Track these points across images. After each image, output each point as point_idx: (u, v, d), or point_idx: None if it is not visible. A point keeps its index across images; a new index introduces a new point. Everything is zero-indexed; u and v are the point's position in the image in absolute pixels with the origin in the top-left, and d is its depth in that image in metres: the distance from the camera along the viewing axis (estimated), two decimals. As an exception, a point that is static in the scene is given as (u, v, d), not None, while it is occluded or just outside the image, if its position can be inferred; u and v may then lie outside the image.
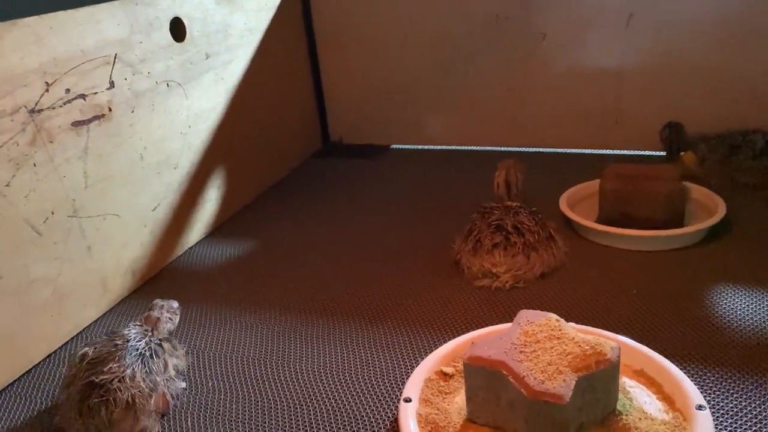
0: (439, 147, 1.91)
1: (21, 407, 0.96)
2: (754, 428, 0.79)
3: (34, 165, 1.04)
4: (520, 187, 1.23)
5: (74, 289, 1.12)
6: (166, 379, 0.88)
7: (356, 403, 0.90)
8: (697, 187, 1.34)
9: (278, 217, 1.54)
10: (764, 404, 0.82)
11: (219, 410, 0.91)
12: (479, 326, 0.98)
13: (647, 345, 0.89)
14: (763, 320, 0.99)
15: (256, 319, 1.13)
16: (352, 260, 1.30)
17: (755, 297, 1.04)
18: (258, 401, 0.92)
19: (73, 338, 1.13)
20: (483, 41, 1.71)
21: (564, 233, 1.26)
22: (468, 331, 0.98)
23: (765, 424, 0.79)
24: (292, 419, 0.88)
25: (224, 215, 1.54)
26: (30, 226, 1.03)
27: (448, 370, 0.89)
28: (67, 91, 1.09)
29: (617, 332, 0.92)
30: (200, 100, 1.42)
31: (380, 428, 0.85)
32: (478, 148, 1.85)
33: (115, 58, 1.18)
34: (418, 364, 0.90)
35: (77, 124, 1.11)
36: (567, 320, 0.82)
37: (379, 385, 0.93)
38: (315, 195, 1.65)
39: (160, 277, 1.32)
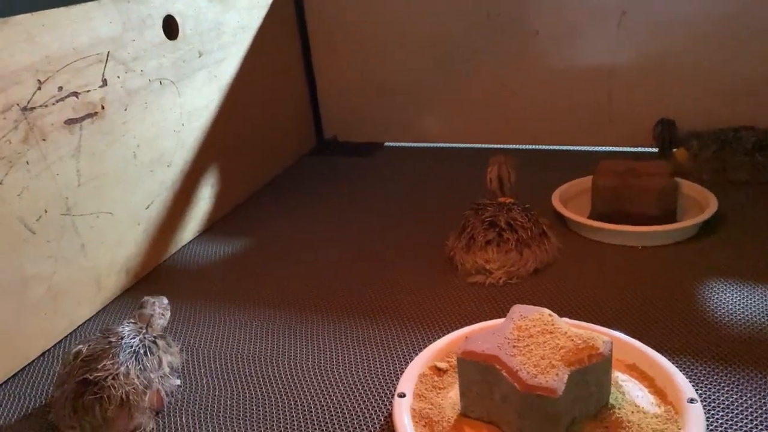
0: (432, 144, 1.91)
1: (16, 405, 0.95)
2: (744, 420, 0.80)
3: (27, 163, 1.03)
4: (512, 182, 1.23)
5: (68, 287, 1.12)
6: (161, 376, 0.88)
7: (351, 399, 0.90)
8: (689, 183, 1.35)
9: (272, 215, 1.54)
10: (755, 397, 0.83)
11: (214, 407, 0.91)
12: (473, 322, 0.99)
13: (640, 339, 0.89)
14: (754, 314, 0.99)
15: (251, 317, 1.13)
16: (346, 258, 1.30)
17: (746, 291, 1.05)
18: (253, 398, 0.93)
19: (67, 336, 1.13)
20: (476, 39, 1.72)
21: (557, 229, 1.26)
22: (462, 326, 0.98)
23: (756, 416, 0.80)
24: (286, 415, 0.88)
25: (218, 213, 1.54)
26: (23, 225, 1.03)
27: (442, 365, 0.90)
28: (60, 88, 1.09)
29: (610, 327, 0.93)
30: (193, 98, 1.42)
31: (375, 423, 0.85)
32: (472, 145, 1.86)
33: (107, 55, 1.18)
34: (412, 360, 0.90)
35: (70, 122, 1.11)
36: (560, 315, 0.83)
37: (374, 381, 0.93)
38: (309, 193, 1.65)
39: (154, 275, 1.32)
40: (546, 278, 1.15)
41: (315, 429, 0.85)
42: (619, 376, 0.84)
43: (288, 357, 1.01)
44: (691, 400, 0.77)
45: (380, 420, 0.86)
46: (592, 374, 0.74)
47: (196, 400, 0.93)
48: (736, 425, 0.79)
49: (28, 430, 0.90)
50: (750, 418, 0.80)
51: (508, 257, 1.13)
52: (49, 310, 1.09)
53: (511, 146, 1.79)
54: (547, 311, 0.81)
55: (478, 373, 0.76)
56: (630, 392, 0.81)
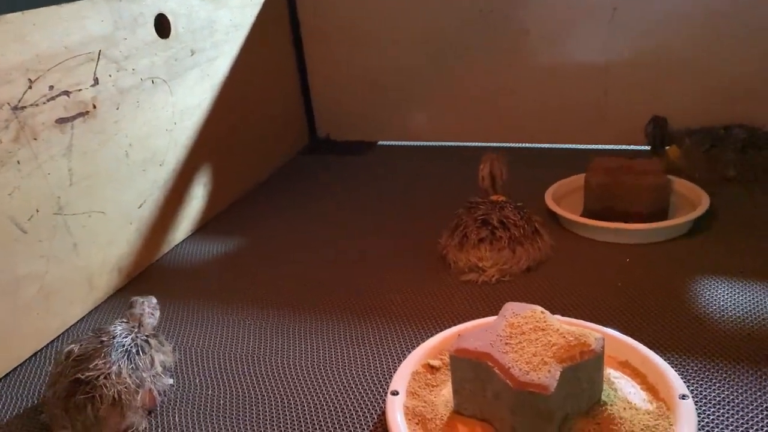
0: (426, 143, 1.91)
1: (8, 405, 0.95)
2: (736, 416, 0.80)
3: (18, 162, 1.03)
4: (504, 180, 1.24)
5: (61, 287, 1.12)
6: (153, 376, 0.88)
7: (344, 397, 0.90)
8: (681, 181, 1.36)
9: (265, 215, 1.54)
10: (746, 393, 0.83)
11: (206, 406, 0.91)
12: (466, 320, 0.99)
13: (632, 336, 0.90)
14: (745, 311, 1.00)
15: (244, 316, 1.13)
16: (339, 257, 1.30)
17: (738, 288, 1.06)
18: (246, 397, 0.92)
19: (59, 336, 1.12)
20: (469, 36, 1.72)
21: (550, 227, 1.27)
22: (455, 324, 0.98)
23: (746, 412, 0.80)
24: (280, 414, 0.88)
25: (211, 213, 1.54)
26: (15, 224, 1.03)
27: (435, 363, 0.90)
28: (51, 87, 1.08)
29: (602, 324, 0.93)
30: (186, 97, 1.42)
31: (368, 421, 0.85)
32: (465, 144, 1.86)
33: (99, 54, 1.17)
34: (405, 358, 0.90)
35: (61, 121, 1.11)
36: (552, 313, 0.83)
37: (367, 379, 0.93)
38: (302, 192, 1.65)
39: (147, 274, 1.32)
40: (539, 276, 1.15)
41: (308, 427, 0.85)
42: (612, 373, 0.84)
43: (281, 356, 1.01)
44: (683, 396, 0.77)
45: (373, 418, 0.86)
46: (584, 371, 0.74)
47: (189, 400, 0.93)
48: (727, 420, 0.79)
49: (21, 430, 0.89)
50: (741, 413, 0.80)
51: (500, 255, 1.14)
52: (41, 309, 1.08)
53: (504, 144, 1.79)
54: (539, 308, 0.81)
55: (471, 371, 0.76)
56: (622, 389, 0.81)
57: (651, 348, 0.87)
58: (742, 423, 0.79)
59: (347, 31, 1.84)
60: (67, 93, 1.11)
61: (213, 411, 0.90)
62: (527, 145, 1.79)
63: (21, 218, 1.04)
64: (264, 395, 0.92)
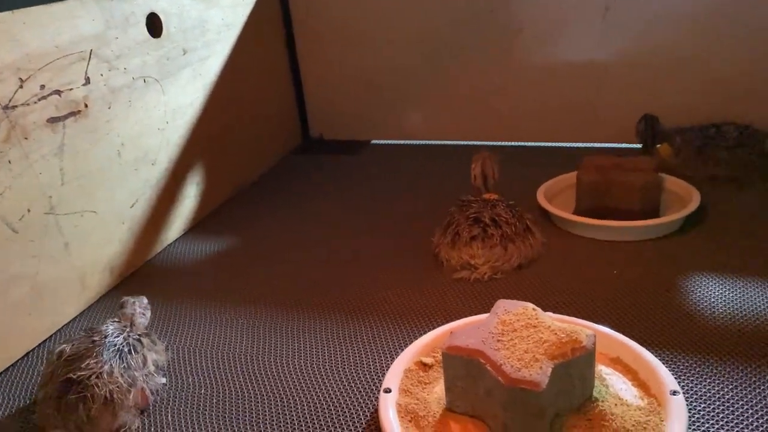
0: (418, 142, 1.91)
1: (0, 405, 0.95)
2: (726, 411, 0.80)
3: (9, 162, 1.02)
4: (496, 179, 1.24)
5: (52, 287, 1.12)
6: (146, 375, 0.88)
7: (337, 395, 0.90)
8: (672, 179, 1.36)
9: (258, 214, 1.54)
10: (736, 388, 0.84)
11: (199, 405, 0.91)
12: (458, 317, 0.99)
13: (624, 333, 0.90)
14: (735, 308, 1.00)
15: (237, 315, 1.13)
16: (332, 256, 1.30)
17: (728, 285, 1.06)
18: (239, 395, 0.92)
19: (51, 336, 1.12)
20: (462, 35, 1.72)
21: (542, 225, 1.27)
22: (447, 322, 0.98)
23: (737, 407, 0.81)
24: (273, 412, 0.88)
25: (203, 212, 1.54)
26: (6, 224, 1.02)
27: (428, 360, 0.90)
28: (42, 87, 1.08)
29: (594, 321, 0.94)
30: (178, 96, 1.41)
31: (361, 419, 0.85)
32: (457, 142, 1.86)
33: (90, 53, 1.17)
34: (398, 356, 0.90)
35: (53, 120, 1.10)
36: (544, 310, 0.83)
37: (360, 377, 0.94)
38: (295, 191, 1.65)
39: (139, 274, 1.31)
40: (530, 273, 1.15)
41: (302, 425, 0.85)
42: (603, 370, 0.84)
43: (274, 354, 1.01)
44: (674, 392, 0.78)
45: (366, 416, 0.86)
46: (575, 368, 0.75)
47: (182, 398, 0.93)
48: (718, 416, 0.80)
49: (13, 431, 0.89)
50: (731, 409, 0.81)
51: (492, 252, 1.14)
52: (32, 309, 1.08)
53: (496, 143, 1.80)
54: (531, 306, 0.82)
55: (463, 368, 0.77)
56: (614, 385, 0.81)
57: (642, 344, 0.88)
58: (733, 418, 0.79)
59: (340, 31, 1.84)
60: (58, 92, 1.11)
61: (206, 410, 0.90)
62: (520, 143, 1.79)
63: (12, 218, 1.03)
64: (257, 394, 0.92)
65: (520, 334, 0.77)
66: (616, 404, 0.78)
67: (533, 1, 1.63)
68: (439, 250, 1.20)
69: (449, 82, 1.79)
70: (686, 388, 0.85)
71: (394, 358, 0.92)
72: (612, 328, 0.92)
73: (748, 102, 1.53)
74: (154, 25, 1.33)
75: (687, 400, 0.81)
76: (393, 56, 1.82)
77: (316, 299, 1.15)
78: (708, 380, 0.86)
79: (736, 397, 0.82)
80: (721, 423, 0.79)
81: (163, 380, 0.94)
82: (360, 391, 0.91)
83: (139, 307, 0.97)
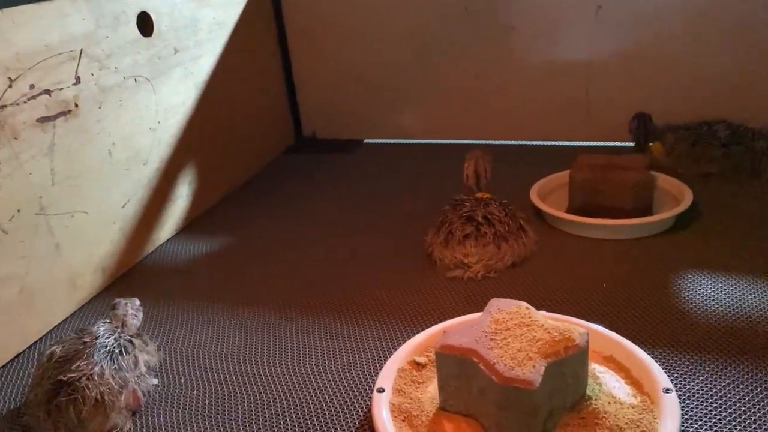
0: (411, 141, 1.91)
1: (-11, 408, 0.94)
2: (719, 409, 0.81)
3: (-1, 162, 1.02)
4: (488, 178, 1.24)
5: (43, 288, 1.11)
6: (137, 376, 0.87)
7: (330, 395, 0.90)
8: (665, 177, 1.36)
9: (251, 213, 1.53)
10: (729, 386, 0.84)
11: (192, 406, 0.91)
12: (452, 316, 0.99)
13: (617, 331, 0.90)
14: (727, 305, 1.01)
15: (229, 315, 1.12)
16: (326, 255, 1.30)
17: (721, 283, 1.07)
18: (232, 396, 0.92)
19: (42, 337, 1.11)
20: (454, 34, 1.72)
21: (535, 224, 1.27)
22: (440, 321, 0.98)
23: (729, 404, 0.81)
24: (266, 413, 0.88)
25: (196, 212, 1.53)
26: (-5, 225, 1.02)
27: (421, 359, 0.90)
28: (32, 86, 1.07)
29: (587, 319, 0.94)
30: (169, 96, 1.41)
31: (354, 419, 0.85)
32: (451, 141, 1.86)
33: (80, 53, 1.16)
34: (392, 355, 0.90)
35: (43, 120, 1.09)
36: (538, 308, 0.83)
37: (353, 377, 0.93)
38: (288, 191, 1.65)
39: (131, 274, 1.31)
40: (524, 272, 1.15)
41: (295, 425, 0.85)
42: (596, 368, 0.84)
43: (267, 355, 1.01)
44: (667, 390, 0.78)
45: (360, 416, 0.86)
46: (568, 366, 0.74)
47: (174, 400, 0.92)
48: (711, 413, 0.80)
49: (3, 433, 0.89)
50: (724, 406, 0.81)
51: (486, 251, 1.14)
52: (23, 311, 1.07)
53: (489, 141, 1.80)
54: (524, 304, 0.82)
55: (456, 367, 0.76)
56: (607, 383, 0.81)
57: (635, 342, 0.88)
58: (725, 416, 0.79)
59: (333, 29, 1.84)
60: (48, 92, 1.10)
61: (198, 411, 0.90)
62: (513, 142, 1.79)
63: (2, 219, 1.02)
64: (250, 394, 0.92)
65: (514, 333, 0.77)
66: (609, 402, 0.78)
67: (526, 0, 1.63)
68: (432, 249, 1.20)
69: (442, 80, 1.79)
70: (679, 385, 0.85)
71: (387, 357, 0.91)
72: (605, 326, 0.92)
73: (740, 100, 1.53)
74: (145, 24, 1.32)
75: (680, 398, 0.82)
76: (386, 54, 1.81)
77: (309, 299, 1.14)
78: (700, 378, 0.86)
79: (729, 395, 0.83)
80: (713, 420, 0.79)
81: (155, 381, 0.94)
82: (353, 391, 0.90)
83: (131, 309, 0.96)
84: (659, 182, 1.34)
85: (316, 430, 0.84)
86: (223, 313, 1.13)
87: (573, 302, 1.05)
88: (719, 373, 0.86)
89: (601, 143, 1.69)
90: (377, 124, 1.92)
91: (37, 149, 1.08)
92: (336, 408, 0.87)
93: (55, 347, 0.85)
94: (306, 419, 0.86)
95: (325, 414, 0.87)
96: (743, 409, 0.80)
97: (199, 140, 1.52)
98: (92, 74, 1.19)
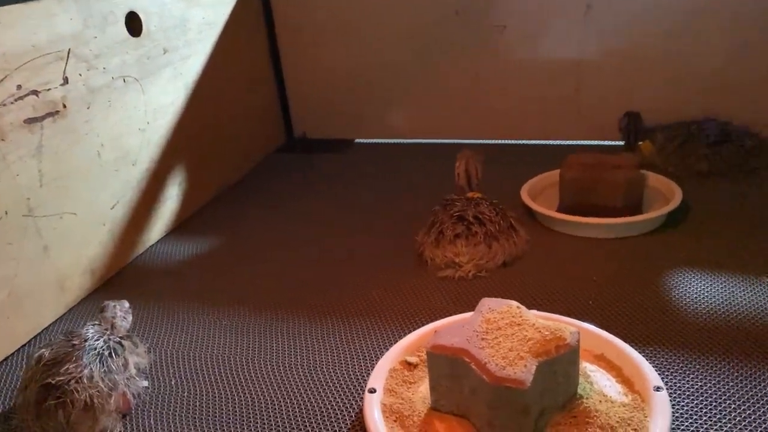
0: (403, 141, 1.91)
1: (-23, 412, 0.93)
2: (709, 407, 0.81)
3: (-15, 163, 1.01)
4: (479, 177, 1.24)
5: (31, 290, 1.10)
6: (127, 378, 0.87)
7: (322, 396, 0.90)
8: (655, 175, 1.37)
9: (242, 214, 1.53)
10: (719, 384, 0.84)
11: (183, 408, 0.90)
12: (443, 316, 0.99)
13: (608, 330, 0.90)
14: (718, 303, 1.01)
15: (220, 316, 1.12)
16: (317, 255, 1.30)
17: (711, 281, 1.07)
18: (223, 397, 0.92)
19: (31, 340, 1.10)
20: (444, 33, 1.72)
21: (526, 223, 1.27)
22: (432, 321, 0.98)
23: (719, 402, 0.81)
24: (257, 414, 0.88)
25: (186, 212, 1.52)
26: (-18, 227, 1.01)
27: (413, 360, 0.90)
28: (19, 87, 1.06)
29: (578, 318, 0.94)
30: (158, 96, 1.40)
31: (346, 419, 0.85)
32: (442, 141, 1.86)
33: (68, 53, 1.15)
34: (383, 355, 0.90)
35: (30, 121, 1.08)
36: (529, 308, 0.83)
37: (344, 377, 0.93)
38: (279, 191, 1.64)
39: (121, 276, 1.30)
40: (515, 271, 1.15)
41: (286, 427, 0.85)
42: (588, 367, 0.85)
43: (258, 356, 1.00)
44: (657, 388, 0.78)
45: (351, 416, 0.85)
46: (560, 365, 0.75)
47: (165, 402, 0.92)
48: (701, 411, 0.80)
49: (-9, 437, 0.88)
50: (714, 404, 0.81)
51: (476, 250, 1.14)
52: (11, 313, 1.06)
53: (480, 141, 1.80)
54: (515, 304, 0.82)
55: (448, 367, 0.76)
56: (598, 382, 0.81)
57: (626, 341, 0.88)
58: (716, 413, 0.80)
59: (323, 28, 1.83)
60: (35, 92, 1.09)
61: (189, 413, 0.89)
62: (504, 141, 1.80)
63: (-11, 220, 1.02)
64: (241, 395, 0.92)
65: (505, 332, 0.77)
66: (600, 401, 0.78)
67: (517, 0, 1.63)
68: (423, 249, 1.20)
69: (433, 80, 1.79)
70: (670, 384, 0.85)
71: (378, 357, 0.91)
72: (596, 325, 0.92)
73: (729, 99, 1.54)
74: (133, 24, 1.32)
75: (670, 396, 0.82)
76: (377, 54, 1.81)
77: (300, 300, 1.14)
78: (691, 376, 0.86)
79: (719, 392, 0.83)
80: (704, 418, 0.79)
81: (145, 383, 0.93)
82: (345, 392, 0.90)
83: (120, 311, 0.95)
84: (649, 181, 1.35)
85: (308, 431, 0.84)
86: (214, 314, 1.12)
87: (564, 301, 1.05)
88: (709, 371, 0.87)
89: (592, 142, 1.70)
90: (368, 124, 1.92)
91: (24, 150, 1.07)
92: (327, 409, 0.87)
93: (43, 350, 0.84)
94: (297, 420, 0.86)
95: (316, 415, 0.86)
96: (733, 406, 0.81)
97: (189, 141, 1.51)
98: (80, 74, 1.18)
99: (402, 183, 1.61)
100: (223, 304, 1.15)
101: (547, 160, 1.52)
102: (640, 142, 1.53)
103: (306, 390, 0.91)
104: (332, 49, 1.85)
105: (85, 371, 0.81)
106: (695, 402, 0.82)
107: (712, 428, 0.78)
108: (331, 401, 0.88)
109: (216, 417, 0.88)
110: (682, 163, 1.46)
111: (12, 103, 1.05)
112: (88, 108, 1.20)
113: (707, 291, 1.04)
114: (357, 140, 1.96)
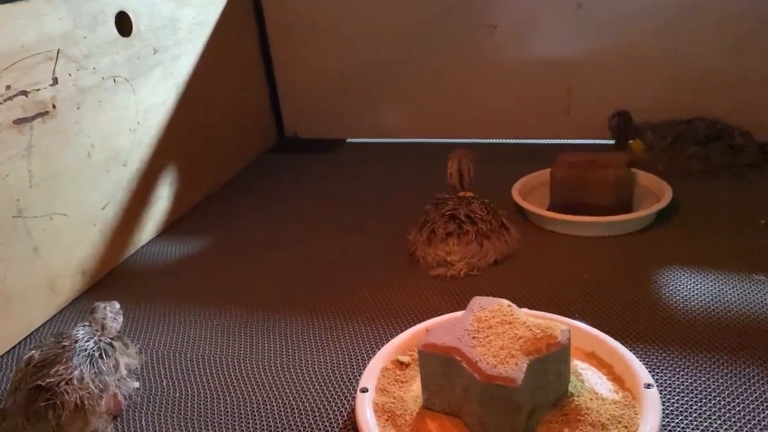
0: (394, 140, 1.91)
1: (-34, 414, 0.92)
2: (699, 403, 0.81)
3: (-26, 164, 1.00)
4: (472, 176, 1.24)
5: (21, 292, 1.09)
6: (118, 379, 0.86)
7: (314, 396, 0.90)
8: (645, 174, 1.38)
9: (233, 214, 1.52)
10: (709, 380, 0.85)
11: (174, 409, 0.90)
12: (435, 315, 0.99)
13: (599, 328, 0.91)
14: (708, 301, 1.02)
15: (211, 316, 1.11)
16: (309, 255, 1.30)
17: (701, 279, 1.08)
18: (214, 398, 0.91)
19: (20, 342, 1.10)
20: (436, 32, 1.72)
21: (517, 222, 1.28)
22: (424, 320, 0.98)
23: (709, 399, 0.82)
24: (249, 414, 0.87)
25: (177, 213, 1.52)
26: (-29, 228, 1.00)
27: (404, 359, 0.90)
28: (8, 87, 1.05)
29: (569, 316, 0.94)
30: (149, 96, 1.39)
31: (338, 419, 0.85)
32: (433, 140, 1.86)
33: (58, 53, 1.15)
34: (375, 355, 0.90)
35: (19, 121, 1.08)
36: (520, 306, 0.84)
37: (336, 377, 0.93)
38: (271, 191, 1.64)
39: (112, 276, 1.29)
40: (506, 269, 1.16)
41: (278, 426, 0.85)
42: (579, 365, 0.85)
43: (249, 356, 1.00)
44: (648, 386, 0.78)
45: (343, 416, 0.85)
46: (551, 363, 0.75)
47: (156, 402, 0.91)
48: (691, 408, 0.81)
49: (-19, 440, 0.87)
50: (704, 401, 0.82)
51: (468, 249, 1.14)
52: (1, 315, 1.05)
53: (471, 140, 1.80)
54: (506, 302, 0.82)
55: (439, 366, 0.77)
56: (589, 380, 0.82)
57: (617, 339, 0.88)
58: (705, 410, 0.80)
59: (314, 28, 1.83)
60: (25, 93, 1.09)
61: (181, 414, 0.89)
62: (494, 140, 1.80)
63: (-22, 222, 1.01)
64: (233, 396, 0.91)
65: (496, 331, 0.77)
66: (591, 399, 0.78)
67: (507, -2, 1.64)
68: (415, 248, 1.20)
69: (424, 79, 1.79)
70: (660, 381, 0.86)
71: (370, 357, 0.91)
72: (586, 323, 0.92)
73: (719, 98, 1.55)
74: (123, 24, 1.31)
75: (661, 393, 0.82)
76: (368, 54, 1.81)
77: (291, 299, 1.14)
78: (681, 373, 0.87)
79: (709, 389, 0.84)
80: (694, 415, 0.80)
81: (137, 384, 0.93)
82: (337, 391, 0.90)
83: (110, 312, 0.95)
84: (639, 179, 1.36)
85: (300, 430, 0.84)
86: (206, 315, 1.12)
87: (555, 299, 1.06)
88: (699, 368, 0.87)
89: (582, 141, 1.70)
90: (359, 123, 1.92)
91: (14, 151, 1.07)
92: (319, 408, 0.87)
93: (33, 352, 0.83)
94: (289, 420, 0.86)
95: (308, 414, 0.86)
96: (722, 402, 0.81)
97: (180, 141, 1.50)
98: (70, 75, 1.18)
99: (394, 182, 1.61)
100: (214, 304, 1.15)
101: (538, 159, 1.52)
102: (631, 141, 1.53)
103: (298, 390, 0.91)
104: (324, 48, 1.85)
105: (76, 373, 0.80)
106: (685, 399, 0.82)
107: (701, 425, 0.78)
108: (323, 401, 0.88)
109: (207, 417, 0.88)
110: (672, 162, 1.46)
111: (1, 103, 1.04)
112: (78, 108, 1.20)
113: (697, 289, 1.05)
114: (348, 140, 1.96)
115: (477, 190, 1.25)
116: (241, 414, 0.88)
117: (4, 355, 1.06)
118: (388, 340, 0.94)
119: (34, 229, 1.11)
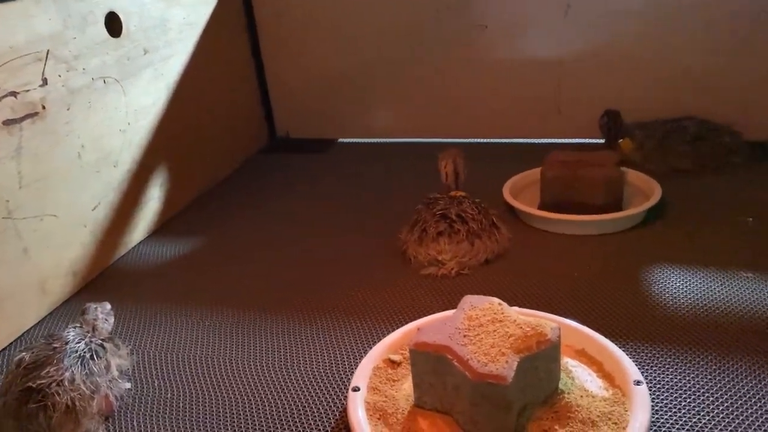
0: (385, 140, 1.91)
1: (-43, 417, 0.92)
2: (689, 400, 0.82)
3: (-37, 166, 1.00)
4: (464, 175, 1.25)
5: (11, 293, 1.09)
6: (110, 380, 0.86)
7: (305, 395, 0.90)
8: (635, 172, 1.39)
9: (225, 214, 1.52)
10: (698, 377, 0.86)
11: (166, 410, 0.90)
12: (426, 314, 0.99)
13: (589, 326, 0.91)
14: (697, 299, 1.03)
15: (203, 317, 1.11)
16: (301, 255, 1.30)
17: (690, 276, 1.08)
18: (206, 398, 0.91)
19: (11, 344, 1.09)
20: (427, 32, 1.73)
21: (508, 221, 1.28)
22: (415, 318, 0.98)
23: (698, 395, 0.83)
24: (241, 414, 0.88)
25: (168, 213, 1.52)
26: (-39, 230, 1.00)
27: (396, 357, 0.90)
28: (-3, 88, 1.05)
29: (560, 314, 0.94)
30: (139, 97, 1.39)
31: (329, 418, 0.85)
32: (424, 140, 1.86)
33: (47, 54, 1.14)
34: (366, 354, 0.90)
35: (8, 122, 1.07)
36: (511, 304, 0.84)
37: (328, 376, 0.93)
38: (263, 191, 1.64)
39: (103, 277, 1.29)
40: (497, 268, 1.16)
41: (270, 426, 0.85)
42: (569, 362, 0.85)
43: (241, 356, 1.00)
44: (637, 383, 0.79)
45: (335, 415, 0.86)
46: (541, 360, 0.75)
47: (148, 403, 0.91)
48: (680, 404, 0.81)
49: (-29, 442, 0.87)
50: (693, 397, 0.82)
51: (459, 248, 1.15)
52: (-9, 317, 1.05)
53: (461, 140, 1.80)
54: (496, 300, 0.82)
55: (430, 364, 0.77)
56: (579, 377, 0.82)
57: (607, 336, 0.89)
58: (694, 406, 0.81)
59: (305, 27, 1.83)
60: (14, 94, 1.08)
61: (173, 415, 0.89)
62: (484, 140, 1.81)
63: (-32, 223, 1.01)
64: (225, 396, 0.91)
65: (487, 329, 0.78)
66: (581, 396, 0.79)
67: (497, -2, 1.65)
68: (406, 247, 1.20)
69: (415, 79, 1.79)
70: (649, 378, 0.86)
71: (362, 356, 0.91)
72: (577, 321, 0.93)
73: (708, 96, 1.56)
74: (113, 25, 1.31)
75: (650, 390, 0.83)
76: (359, 54, 1.81)
77: (283, 299, 1.14)
78: (671, 370, 0.88)
79: (698, 386, 0.84)
80: (683, 411, 0.80)
81: (128, 385, 0.93)
82: (328, 390, 0.90)
83: (101, 313, 0.95)
84: (629, 178, 1.36)
85: (292, 430, 0.84)
86: (197, 315, 1.12)
87: (546, 297, 1.06)
88: (689, 365, 0.88)
89: (572, 140, 1.71)
90: (351, 123, 1.92)
91: (3, 152, 1.06)
92: (311, 407, 0.87)
93: (23, 353, 0.83)
94: (281, 420, 0.86)
95: (300, 414, 0.86)
96: (711, 399, 0.82)
97: (171, 141, 1.50)
98: (59, 75, 1.17)
99: (385, 182, 1.62)
100: (206, 304, 1.15)
101: (528, 158, 1.53)
102: (620, 140, 1.54)
103: (290, 389, 0.91)
104: (315, 48, 1.85)
105: (67, 374, 0.80)
106: (674, 396, 0.83)
107: (690, 421, 0.79)
108: (314, 400, 0.89)
109: (199, 418, 0.88)
110: (662, 161, 1.47)
111: (-10, 104, 1.04)
112: (67, 109, 1.19)
113: (686, 286, 1.06)
114: (340, 140, 1.96)
115: (468, 189, 1.26)
116: (233, 414, 0.88)
117: (-6, 357, 1.06)
118: (380, 339, 0.94)
119: (24, 230, 1.11)
